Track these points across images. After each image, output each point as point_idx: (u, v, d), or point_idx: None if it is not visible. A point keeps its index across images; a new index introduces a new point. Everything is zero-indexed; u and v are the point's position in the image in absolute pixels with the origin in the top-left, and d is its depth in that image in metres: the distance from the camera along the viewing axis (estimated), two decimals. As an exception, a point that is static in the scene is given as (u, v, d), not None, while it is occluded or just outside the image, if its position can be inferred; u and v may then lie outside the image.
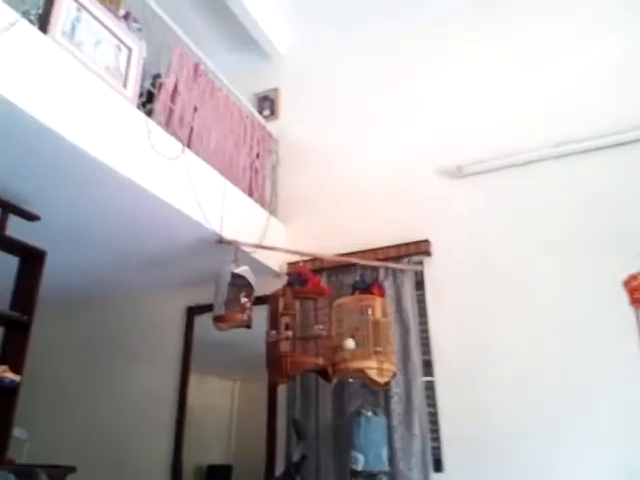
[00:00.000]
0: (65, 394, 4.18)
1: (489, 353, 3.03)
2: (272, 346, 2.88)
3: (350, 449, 2.77)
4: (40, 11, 2.36)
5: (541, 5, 3.69)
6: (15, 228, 2.78)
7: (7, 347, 2.81)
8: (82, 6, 2.52)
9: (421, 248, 3.34)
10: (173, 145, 2.93)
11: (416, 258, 3.35)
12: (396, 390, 3.01)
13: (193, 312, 3.92)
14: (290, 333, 2.90)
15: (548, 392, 2.84)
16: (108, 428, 3.93)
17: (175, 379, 3.80)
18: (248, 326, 2.99)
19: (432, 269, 3.32)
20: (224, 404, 3.83)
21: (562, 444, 2.74)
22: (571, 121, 3.29)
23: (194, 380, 3.79)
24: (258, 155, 3.90)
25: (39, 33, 2.27)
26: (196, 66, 3.33)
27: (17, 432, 2.79)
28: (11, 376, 2.65)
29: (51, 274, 2.93)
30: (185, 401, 3.72)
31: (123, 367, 4.09)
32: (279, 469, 3.22)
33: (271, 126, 4.19)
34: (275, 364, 2.86)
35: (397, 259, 3.35)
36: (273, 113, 4.39)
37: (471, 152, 3.47)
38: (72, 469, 2.94)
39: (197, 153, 3.15)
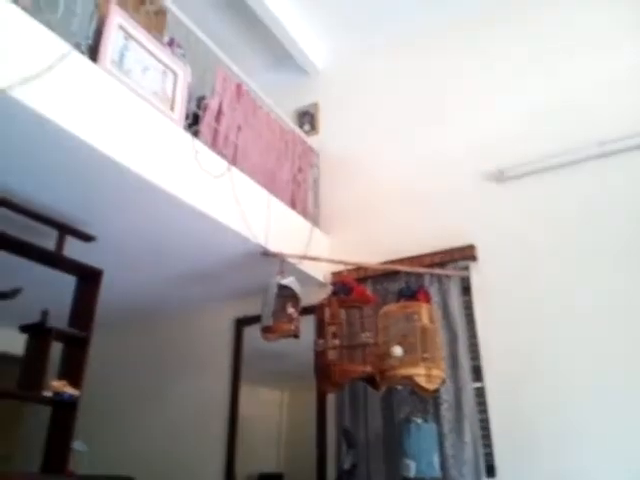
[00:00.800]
0: (120, 407, 4.31)
1: (539, 357, 2.98)
2: (320, 355, 2.92)
3: (401, 456, 2.77)
4: (90, 42, 2.49)
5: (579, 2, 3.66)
6: (72, 249, 2.93)
7: (66, 363, 2.94)
8: (129, 35, 2.65)
9: (466, 253, 3.33)
10: (219, 163, 3.03)
11: (462, 263, 3.33)
12: (446, 397, 3.00)
13: (242, 324, 4.01)
14: (337, 342, 2.94)
15: (600, 394, 2.78)
16: (162, 440, 4.04)
17: (226, 390, 3.89)
18: (296, 336, 3.04)
19: (478, 274, 3.30)
20: (274, 413, 3.88)
21: (614, 448, 2.68)
22: (614, 119, 3.23)
23: (244, 390, 3.86)
24: (300, 169, 3.98)
25: (90, 63, 2.39)
26: (239, 86, 3.43)
27: (76, 445, 2.86)
28: (70, 391, 2.76)
29: (105, 292, 3.07)
30: (237, 411, 3.80)
31: (176, 380, 4.20)
32: (330, 477, 3.25)
33: (312, 140, 4.26)
34: (323, 373, 2.89)
35: (442, 265, 3.34)
36: (313, 127, 4.47)
37: (513, 155, 3.44)
38: (130, 479, 3.04)
39: (241, 170, 3.24)
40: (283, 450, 3.78)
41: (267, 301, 3.03)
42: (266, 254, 3.25)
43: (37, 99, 2.11)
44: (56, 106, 2.18)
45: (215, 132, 3.14)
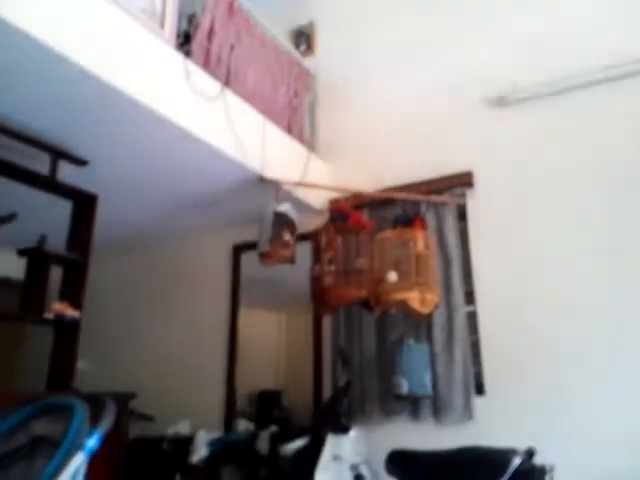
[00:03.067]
0: (123, 329, 4.41)
1: (530, 282, 3.04)
2: (316, 280, 2.98)
3: (394, 375, 2.88)
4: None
5: None
6: (66, 175, 2.91)
7: (66, 285, 2.99)
8: (115, -53, 2.50)
9: (464, 180, 3.31)
10: (212, 85, 2.95)
11: (459, 190, 3.33)
12: (438, 319, 3.08)
13: (239, 250, 4.06)
14: (333, 267, 2.98)
15: (588, 318, 2.85)
16: (164, 359, 4.16)
17: (225, 313, 3.99)
18: (292, 262, 3.07)
19: (475, 201, 3.30)
20: (272, 334, 4.00)
21: (601, 369, 2.77)
22: (619, 43, 3.11)
23: (243, 313, 3.96)
24: (296, 92, 3.88)
25: (75, -23, 2.28)
26: (231, 3, 3.28)
27: (80, 364, 2.93)
28: (71, 312, 2.84)
29: (101, 218, 3.08)
30: (236, 332, 3.92)
31: (176, 303, 4.28)
32: (326, 393, 3.38)
33: (308, 62, 4.11)
34: (320, 297, 2.96)
35: (439, 192, 3.33)
36: (309, 48, 4.31)
37: (514, 80, 3.35)
38: (133, 395, 3.15)
39: (235, 92, 3.15)
40: (282, 369, 3.92)
41: (264, 228, 3.05)
42: (262, 181, 3.23)
43: (21, 15, 2.01)
44: (41, 23, 2.09)
45: (207, 52, 3.03)
